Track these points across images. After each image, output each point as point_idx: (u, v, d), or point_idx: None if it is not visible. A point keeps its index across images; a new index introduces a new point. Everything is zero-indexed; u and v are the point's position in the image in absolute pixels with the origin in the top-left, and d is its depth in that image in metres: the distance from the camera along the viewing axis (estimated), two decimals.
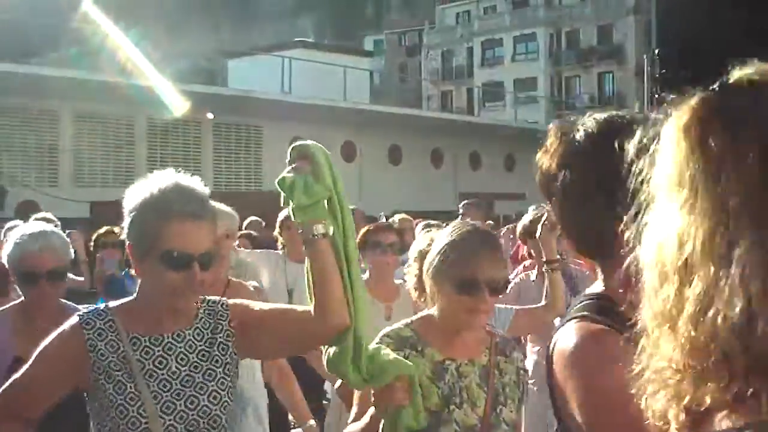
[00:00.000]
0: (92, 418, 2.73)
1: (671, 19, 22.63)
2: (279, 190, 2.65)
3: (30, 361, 2.68)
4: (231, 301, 2.88)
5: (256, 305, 2.90)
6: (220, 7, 78.81)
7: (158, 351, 2.69)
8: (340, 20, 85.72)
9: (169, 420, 2.62)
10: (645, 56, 25.94)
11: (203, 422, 2.67)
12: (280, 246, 7.40)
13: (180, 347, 2.72)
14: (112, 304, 2.78)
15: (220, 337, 2.78)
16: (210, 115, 25.36)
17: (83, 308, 3.70)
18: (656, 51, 22.87)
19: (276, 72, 28.29)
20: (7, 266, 3.86)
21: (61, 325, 3.29)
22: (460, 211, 10.38)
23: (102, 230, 8.70)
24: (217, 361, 2.76)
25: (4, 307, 3.92)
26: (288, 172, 2.71)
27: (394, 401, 2.75)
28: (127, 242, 2.69)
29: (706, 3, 19.74)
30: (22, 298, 3.87)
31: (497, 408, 3.12)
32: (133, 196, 2.67)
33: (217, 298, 2.89)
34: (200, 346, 2.75)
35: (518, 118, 43.11)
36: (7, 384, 2.69)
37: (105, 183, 23.52)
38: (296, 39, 40.14)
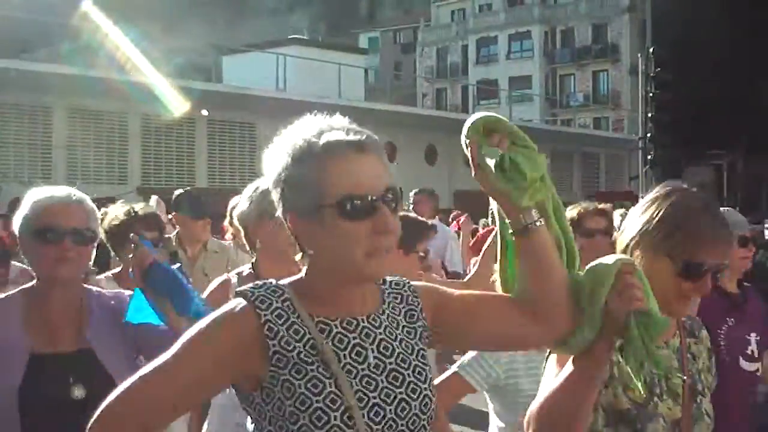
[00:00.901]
0: (259, 421, 2.05)
1: (666, 18, 22.68)
2: (493, 174, 2.15)
3: (172, 354, 1.99)
4: (416, 284, 2.30)
5: (446, 289, 2.34)
6: (214, 4, 78.68)
7: (354, 339, 2.07)
8: (334, 17, 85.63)
9: (377, 430, 2.01)
10: (639, 55, 25.97)
11: None
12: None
13: (379, 334, 2.11)
14: (281, 280, 2.15)
15: (418, 326, 2.20)
16: (204, 112, 25.34)
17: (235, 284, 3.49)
18: (651, 50, 22.92)
19: (271, 69, 28.28)
20: (17, 233, 3.10)
21: (87, 314, 3.09)
22: (411, 202, 10.01)
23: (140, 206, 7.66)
24: (421, 355, 2.17)
25: (9, 293, 3.17)
26: (483, 152, 2.19)
27: (634, 301, 2.17)
28: (283, 210, 2.09)
29: (700, 2, 19.77)
30: (30, 284, 3.12)
31: (697, 398, 2.76)
32: (276, 157, 2.12)
33: (398, 278, 2.30)
34: (400, 335, 2.15)
35: (513, 116, 43.03)
36: (131, 385, 1.97)
37: (99, 179, 23.49)
38: (291, 36, 40.13)
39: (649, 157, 23.74)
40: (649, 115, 23.50)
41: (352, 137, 2.12)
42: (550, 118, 58.80)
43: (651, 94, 23.19)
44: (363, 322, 2.09)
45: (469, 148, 2.23)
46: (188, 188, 6.41)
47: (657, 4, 23.54)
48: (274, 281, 2.13)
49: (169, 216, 6.78)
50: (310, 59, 30.28)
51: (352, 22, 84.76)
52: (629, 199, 16.49)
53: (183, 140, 26.14)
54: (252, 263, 3.98)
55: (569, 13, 65.21)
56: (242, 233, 3.96)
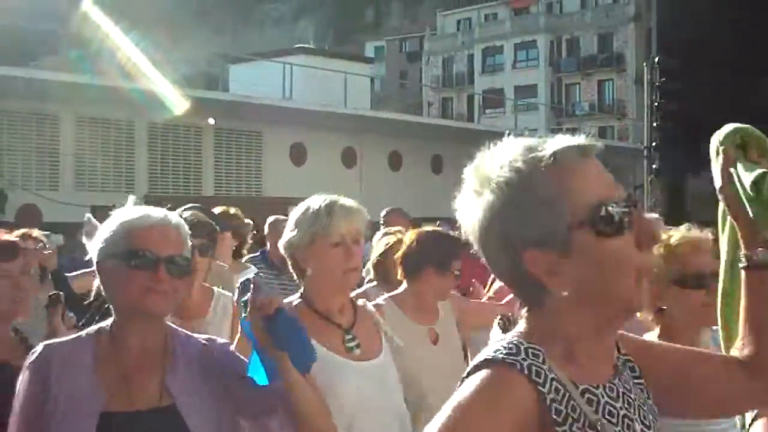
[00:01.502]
0: None
1: (671, 28, 22.69)
2: (750, 192, 1.80)
3: None
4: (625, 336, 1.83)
5: (653, 344, 1.99)
6: (221, 13, 78.84)
7: (621, 410, 1.64)
8: (340, 26, 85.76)
9: None
10: (645, 64, 25.98)
11: None
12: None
13: (635, 398, 1.71)
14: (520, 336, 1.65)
15: (642, 383, 1.77)
16: (211, 121, 25.37)
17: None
18: (656, 59, 22.93)
19: (277, 77, 28.32)
20: (95, 257, 2.62)
21: (171, 359, 2.60)
22: (381, 220, 9.37)
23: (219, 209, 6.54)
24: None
25: (81, 333, 2.66)
26: (745, 168, 1.84)
27: None
28: (514, 251, 1.60)
29: (706, 12, 19.79)
30: (106, 322, 2.65)
31: None
32: (479, 194, 1.73)
33: None
34: (639, 395, 1.74)
35: (518, 125, 43.08)
36: None
37: (106, 187, 23.53)
38: (298, 45, 40.20)
39: (654, 166, 23.73)
40: (654, 124, 23.50)
41: (577, 141, 1.73)
42: (555, 127, 58.75)
43: (656, 104, 23.20)
44: (618, 382, 1.68)
45: (721, 160, 1.92)
46: (194, 204, 5.86)
47: (663, 14, 23.57)
48: (517, 338, 1.63)
49: None
50: (316, 68, 30.31)
51: (358, 30, 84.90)
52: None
53: (190, 148, 26.17)
54: (301, 293, 3.54)
55: (575, 22, 65.29)
56: (289, 263, 3.53)
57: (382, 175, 30.25)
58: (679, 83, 22.01)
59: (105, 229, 2.62)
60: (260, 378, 2.55)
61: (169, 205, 2.92)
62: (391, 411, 3.44)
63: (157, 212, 2.61)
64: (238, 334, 2.84)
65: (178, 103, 21.81)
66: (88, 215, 6.32)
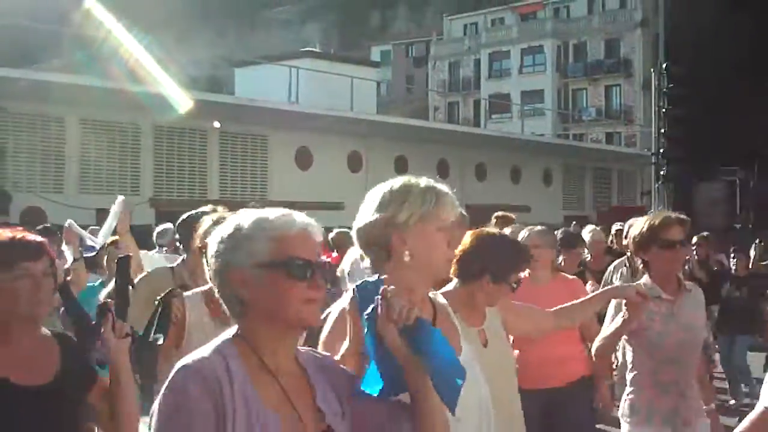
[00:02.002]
0: None
1: (679, 34, 22.65)
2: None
3: None
4: None
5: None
6: (227, 17, 78.95)
7: None
8: (346, 30, 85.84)
9: None
10: (653, 70, 25.93)
11: None
12: None
13: None
14: None
15: None
16: (216, 124, 25.37)
17: None
18: (664, 65, 22.89)
19: (283, 81, 28.32)
20: (229, 265, 2.28)
21: (309, 377, 2.36)
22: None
23: None
24: None
25: (217, 345, 2.29)
26: None
27: None
28: None
29: (713, 18, 19.74)
30: (229, 332, 2.34)
31: None
32: None
33: None
34: None
35: (525, 130, 43.05)
36: None
37: (111, 190, 23.52)
38: (304, 48, 40.20)
39: (661, 172, 23.68)
40: (662, 130, 23.45)
41: None
42: (562, 132, 58.75)
43: (664, 110, 23.15)
44: None
45: None
46: (203, 208, 5.60)
47: (670, 20, 23.52)
48: None
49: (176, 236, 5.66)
50: (322, 72, 30.31)
51: (364, 35, 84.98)
52: (641, 215, 16.42)
53: (195, 152, 26.16)
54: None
55: (582, 27, 65.21)
56: (369, 244, 3.06)
57: (388, 179, 30.16)
58: (687, 89, 21.97)
59: (238, 235, 2.28)
60: (375, 392, 2.35)
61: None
62: (482, 411, 3.16)
63: (299, 216, 2.36)
64: (343, 348, 2.56)
65: (183, 105, 21.81)
66: (70, 221, 6.15)
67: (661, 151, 23.56)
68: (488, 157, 34.71)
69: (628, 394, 4.95)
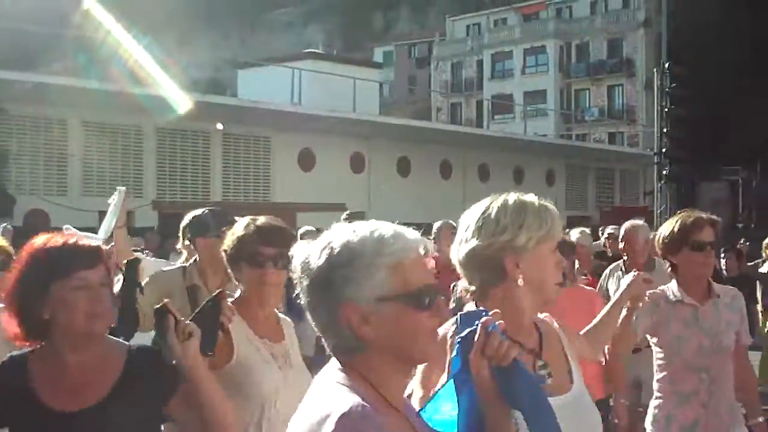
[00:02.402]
0: None
1: (682, 34, 22.62)
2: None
3: None
4: None
5: None
6: (229, 18, 78.98)
7: None
8: (349, 31, 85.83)
9: None
10: (655, 70, 25.91)
11: None
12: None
13: None
14: None
15: None
16: (219, 126, 25.38)
17: None
18: (666, 65, 22.86)
19: (286, 82, 28.33)
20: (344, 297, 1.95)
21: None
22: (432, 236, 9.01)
23: None
24: None
25: (347, 389, 1.96)
26: None
27: None
28: None
29: (716, 18, 19.72)
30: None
31: None
32: None
33: None
34: None
35: (527, 130, 43.03)
36: None
37: (113, 192, 23.53)
38: (306, 50, 40.22)
39: (664, 172, 23.64)
40: (665, 130, 23.42)
41: None
42: (564, 132, 58.73)
43: (666, 110, 23.12)
44: None
45: None
46: (209, 207, 5.53)
47: (673, 20, 23.50)
48: None
49: (186, 242, 5.48)
50: (325, 73, 30.33)
51: (367, 36, 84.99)
52: (644, 215, 16.39)
53: (198, 154, 26.18)
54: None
55: (584, 27, 65.20)
56: (469, 270, 2.82)
57: (391, 180, 30.24)
58: (689, 89, 21.94)
59: (353, 263, 1.96)
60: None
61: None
62: None
63: (406, 233, 2.04)
64: (440, 382, 2.33)
65: (185, 107, 21.82)
66: (67, 226, 6.10)
67: (664, 151, 23.53)
68: (491, 157, 34.70)
69: (651, 403, 4.81)
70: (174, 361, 2.83)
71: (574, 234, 9.57)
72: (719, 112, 20.48)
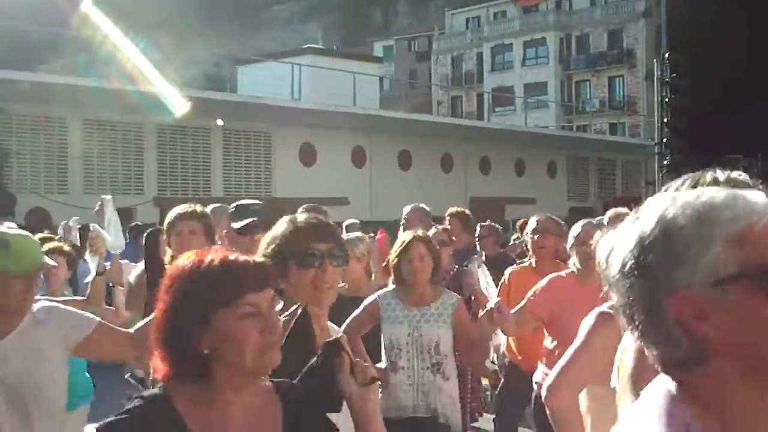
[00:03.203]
0: None
1: (682, 24, 22.59)
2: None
3: None
4: None
5: None
6: (229, 15, 78.93)
7: None
8: (348, 27, 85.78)
9: None
10: (655, 60, 25.88)
11: None
12: None
13: None
14: None
15: None
16: (219, 122, 25.39)
17: None
18: (666, 55, 22.83)
19: (286, 78, 28.31)
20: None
21: None
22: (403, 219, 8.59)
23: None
24: None
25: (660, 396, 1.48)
26: None
27: None
28: None
29: (716, 8, 19.68)
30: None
31: None
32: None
33: None
34: None
35: (528, 122, 43.01)
36: None
37: (115, 190, 23.56)
38: (306, 45, 40.20)
39: (665, 162, 23.63)
40: (665, 120, 23.39)
41: None
42: (565, 124, 58.67)
43: (667, 100, 23.10)
44: None
45: None
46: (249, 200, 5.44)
47: (672, 10, 23.46)
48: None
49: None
50: (325, 68, 30.31)
51: (366, 30, 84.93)
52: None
53: (199, 150, 26.20)
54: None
55: (584, 19, 65.11)
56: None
57: (392, 174, 30.24)
58: (689, 79, 21.91)
59: (675, 238, 1.41)
60: None
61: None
62: None
63: (749, 194, 1.48)
64: None
65: (185, 104, 21.82)
66: (94, 225, 6.07)
67: (665, 140, 23.51)
68: (492, 150, 34.69)
69: None
70: (343, 406, 2.38)
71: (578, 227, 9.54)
72: (720, 101, 20.45)
